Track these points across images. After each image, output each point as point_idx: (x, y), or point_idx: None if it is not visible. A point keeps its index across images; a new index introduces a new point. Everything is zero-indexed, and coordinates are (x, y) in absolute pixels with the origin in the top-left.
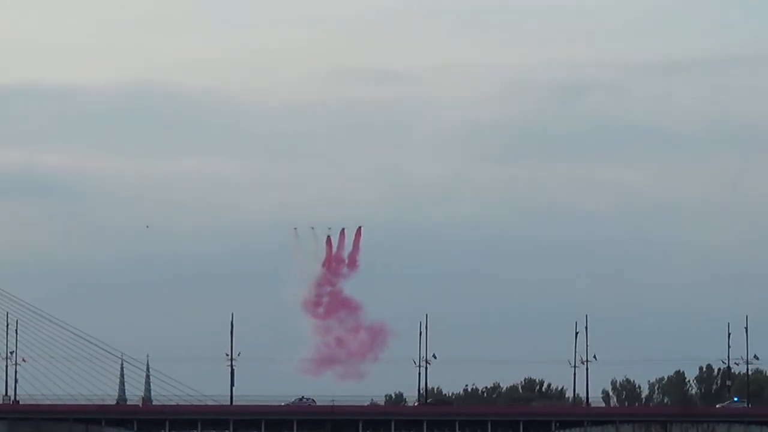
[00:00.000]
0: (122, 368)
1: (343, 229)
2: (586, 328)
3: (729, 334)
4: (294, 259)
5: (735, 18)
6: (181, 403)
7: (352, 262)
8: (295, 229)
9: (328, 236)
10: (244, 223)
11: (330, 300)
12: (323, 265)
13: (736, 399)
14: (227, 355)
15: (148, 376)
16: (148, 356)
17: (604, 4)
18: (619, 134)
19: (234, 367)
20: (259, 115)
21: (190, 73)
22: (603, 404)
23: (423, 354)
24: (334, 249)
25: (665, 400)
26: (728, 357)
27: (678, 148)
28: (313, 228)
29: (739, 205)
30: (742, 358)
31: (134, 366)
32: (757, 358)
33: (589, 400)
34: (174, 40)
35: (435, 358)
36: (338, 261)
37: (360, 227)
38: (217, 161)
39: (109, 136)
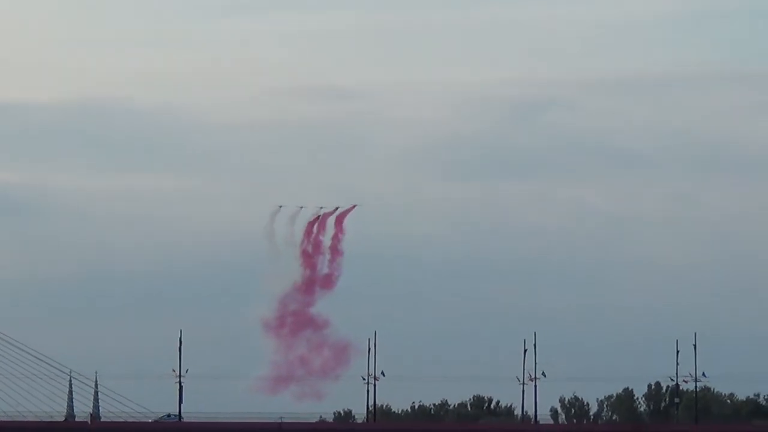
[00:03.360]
0: (71, 385)
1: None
2: (535, 345)
3: (678, 352)
4: (264, 275)
5: (690, 37)
6: (130, 420)
7: (329, 281)
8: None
9: (304, 249)
10: (200, 239)
11: (294, 320)
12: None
13: None
14: (174, 371)
15: (96, 393)
16: (96, 373)
17: (559, 22)
18: (574, 152)
19: (182, 384)
20: (211, 132)
21: (140, 89)
22: (551, 422)
23: (372, 371)
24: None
25: (614, 418)
26: (677, 374)
27: (633, 166)
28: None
29: (692, 224)
30: (691, 375)
31: (83, 383)
32: (705, 376)
33: (538, 418)
34: (124, 57)
35: (383, 375)
36: (312, 281)
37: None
38: (169, 178)
39: (56, 153)
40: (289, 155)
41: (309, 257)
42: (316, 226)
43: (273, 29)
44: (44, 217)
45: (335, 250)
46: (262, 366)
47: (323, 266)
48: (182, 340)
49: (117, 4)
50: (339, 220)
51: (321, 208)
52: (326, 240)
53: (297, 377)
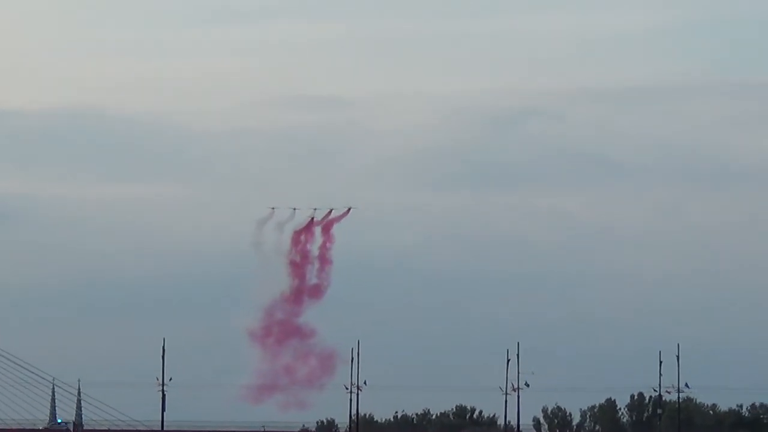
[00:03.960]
0: (53, 392)
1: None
2: (518, 355)
3: (660, 363)
4: (252, 284)
5: (672, 50)
6: (112, 428)
7: (318, 291)
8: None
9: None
10: (185, 247)
11: (281, 329)
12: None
13: None
14: (158, 380)
15: (79, 401)
16: (79, 381)
17: (541, 34)
18: (557, 162)
19: (165, 393)
20: (199, 140)
21: (128, 98)
22: (535, 431)
23: (355, 380)
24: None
25: (596, 428)
26: (659, 385)
27: (616, 177)
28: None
29: (675, 235)
30: (674, 387)
31: (65, 390)
32: (688, 387)
33: (521, 428)
34: (112, 65)
35: (366, 384)
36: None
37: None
38: (156, 185)
39: (43, 160)
40: (276, 163)
41: (297, 267)
42: (303, 235)
43: (261, 39)
44: (29, 224)
45: (324, 259)
46: (247, 375)
47: (312, 276)
48: (168, 348)
49: (107, 13)
50: (326, 229)
51: (315, 209)
52: (314, 249)
53: (281, 386)
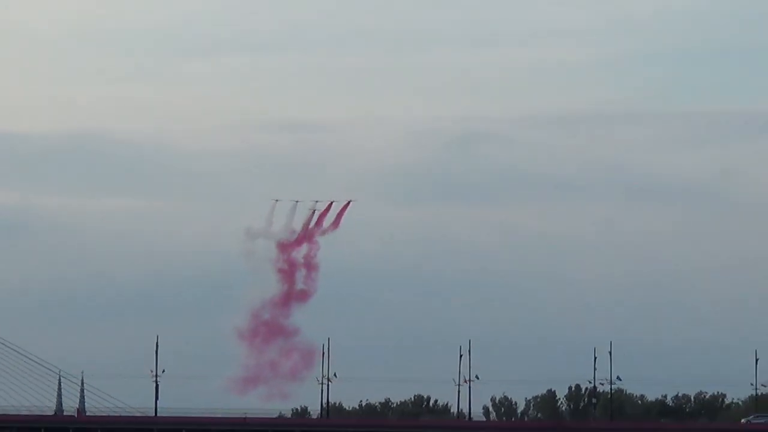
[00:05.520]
0: (60, 383)
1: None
2: (470, 350)
3: (595, 358)
4: (242, 288)
5: (613, 79)
6: (112, 414)
7: (304, 295)
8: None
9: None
10: (178, 254)
11: (267, 329)
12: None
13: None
14: (152, 372)
15: (82, 390)
16: (82, 372)
17: (495, 66)
18: (508, 179)
19: (158, 383)
20: (186, 159)
21: (120, 121)
22: (484, 419)
23: (326, 373)
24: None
25: (539, 416)
26: (594, 378)
27: (560, 193)
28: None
29: (611, 243)
30: (607, 379)
31: (70, 381)
32: (620, 379)
33: (472, 415)
34: (107, 93)
35: (335, 376)
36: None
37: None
38: (146, 199)
39: (46, 177)
40: (255, 180)
41: (285, 273)
42: (290, 245)
43: (242, 69)
44: (37, 233)
45: (310, 266)
46: (234, 369)
47: (300, 281)
48: (162, 344)
49: (99, 44)
50: (310, 237)
51: (317, 201)
52: (299, 257)
53: (265, 379)
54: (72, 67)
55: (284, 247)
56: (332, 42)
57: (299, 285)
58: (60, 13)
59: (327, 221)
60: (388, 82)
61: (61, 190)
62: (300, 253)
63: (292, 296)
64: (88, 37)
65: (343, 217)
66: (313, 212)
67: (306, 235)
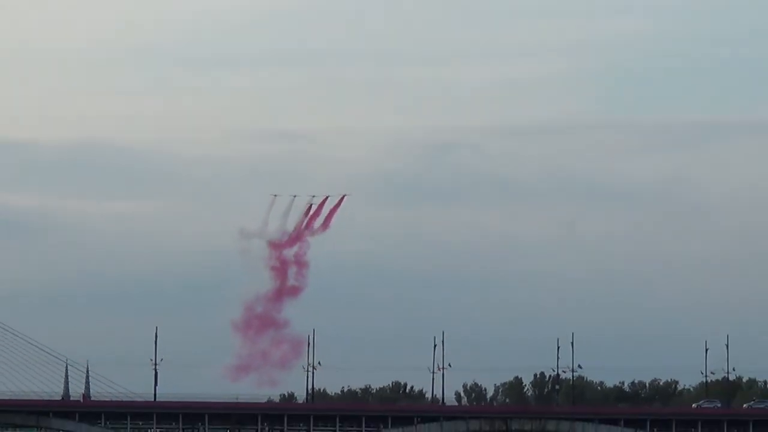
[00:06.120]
0: (66, 370)
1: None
2: (443, 341)
3: (558, 348)
4: (237, 284)
5: (571, 92)
6: (115, 399)
7: (295, 291)
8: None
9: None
10: (178, 251)
11: (260, 322)
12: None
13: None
14: (151, 360)
15: (87, 377)
16: (88, 361)
17: (466, 82)
18: (476, 184)
19: (157, 371)
20: (183, 165)
21: (126, 131)
22: (456, 403)
23: (311, 361)
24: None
25: (506, 401)
26: (557, 366)
27: (523, 196)
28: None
29: (571, 242)
30: (569, 367)
31: (77, 369)
32: (581, 367)
33: (445, 400)
34: (115, 106)
35: (320, 364)
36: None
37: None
38: (149, 202)
39: (59, 182)
40: (247, 183)
41: (277, 271)
42: (282, 244)
43: (236, 84)
44: (48, 233)
45: (301, 263)
46: (228, 358)
47: (292, 278)
48: (162, 335)
49: (110, 65)
50: (301, 237)
51: (313, 196)
52: (290, 255)
53: (256, 367)
54: (84, 83)
55: (276, 246)
56: (318, 60)
57: (291, 281)
58: (72, 34)
59: (317, 222)
60: (369, 95)
61: (74, 194)
62: (291, 251)
63: (284, 292)
64: (98, 55)
65: (333, 218)
66: (310, 206)
67: (297, 236)
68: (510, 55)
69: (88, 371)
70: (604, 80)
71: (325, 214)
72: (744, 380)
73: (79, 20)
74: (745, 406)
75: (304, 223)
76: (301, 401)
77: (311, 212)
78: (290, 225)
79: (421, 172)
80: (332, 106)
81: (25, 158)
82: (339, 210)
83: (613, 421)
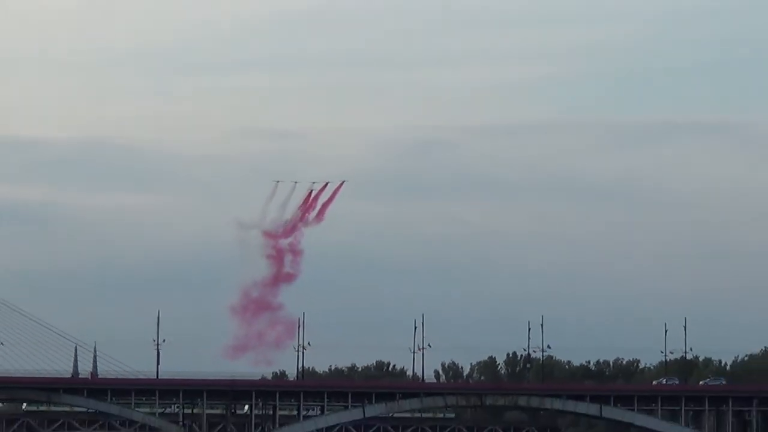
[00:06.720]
0: (76, 350)
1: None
2: (423, 323)
3: (529, 329)
4: (235, 271)
5: (546, 94)
6: (120, 377)
7: (290, 277)
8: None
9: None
10: (180, 241)
11: (256, 306)
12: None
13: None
14: (154, 340)
15: (95, 357)
16: (95, 342)
17: (448, 84)
18: (459, 180)
19: (160, 350)
20: (186, 162)
21: (131, 130)
22: (435, 381)
23: (301, 342)
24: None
25: (481, 378)
26: (528, 346)
27: (502, 192)
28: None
29: (548, 235)
30: (539, 347)
31: (85, 349)
32: (550, 348)
33: (424, 378)
34: (118, 105)
35: (309, 345)
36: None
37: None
38: (152, 197)
39: (66, 177)
40: (246, 179)
41: (274, 259)
42: (277, 234)
43: (234, 86)
44: (58, 224)
45: (296, 252)
46: (226, 339)
47: (288, 265)
48: (164, 317)
49: (115, 68)
50: (295, 228)
51: (313, 183)
52: (286, 244)
53: (252, 347)
54: (91, 85)
55: (272, 236)
56: (310, 64)
57: (287, 269)
58: (77, 43)
59: (312, 215)
60: (358, 98)
61: (81, 188)
62: (287, 241)
63: (280, 278)
64: (102, 60)
65: (327, 210)
66: (311, 192)
67: (293, 227)
68: (489, 59)
69: (95, 351)
70: (573, 84)
71: (319, 207)
72: (700, 359)
73: (87, 27)
74: (701, 383)
75: (300, 215)
76: (291, 379)
77: (311, 198)
78: (288, 214)
79: (407, 169)
80: (323, 108)
81: (35, 154)
82: (332, 203)
83: (580, 397)
